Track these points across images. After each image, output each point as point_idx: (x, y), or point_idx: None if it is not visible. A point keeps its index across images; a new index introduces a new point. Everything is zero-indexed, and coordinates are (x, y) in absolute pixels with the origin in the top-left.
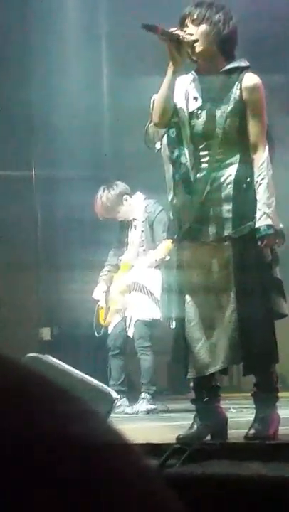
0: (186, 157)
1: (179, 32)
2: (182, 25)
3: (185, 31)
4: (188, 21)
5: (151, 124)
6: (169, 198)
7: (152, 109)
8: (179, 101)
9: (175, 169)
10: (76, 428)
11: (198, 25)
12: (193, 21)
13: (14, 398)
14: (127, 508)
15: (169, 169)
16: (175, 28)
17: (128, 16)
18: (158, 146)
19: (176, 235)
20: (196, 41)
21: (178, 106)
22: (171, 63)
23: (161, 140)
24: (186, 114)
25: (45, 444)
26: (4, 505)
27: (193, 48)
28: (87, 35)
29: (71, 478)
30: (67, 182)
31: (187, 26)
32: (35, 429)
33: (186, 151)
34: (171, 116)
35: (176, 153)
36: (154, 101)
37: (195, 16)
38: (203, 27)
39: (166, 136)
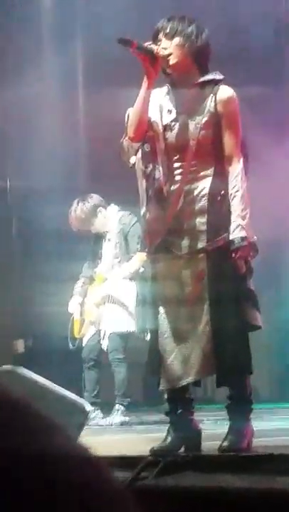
0: (159, 172)
1: (153, 46)
2: (155, 39)
3: (159, 45)
4: (161, 35)
5: (126, 138)
6: (142, 212)
7: (127, 123)
8: (154, 114)
9: (148, 184)
10: (40, 442)
11: (171, 38)
12: (166, 35)
13: None
14: None
15: (142, 183)
16: (150, 43)
17: (103, 30)
18: (133, 160)
19: (147, 248)
20: (170, 54)
21: (152, 119)
22: (145, 77)
23: (136, 154)
24: (160, 126)
25: (9, 458)
26: None
27: (168, 61)
28: (63, 46)
29: (36, 491)
30: (42, 194)
31: (160, 40)
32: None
33: (160, 166)
34: (145, 131)
35: (150, 167)
36: (128, 115)
37: (168, 30)
38: (177, 40)
39: (140, 150)
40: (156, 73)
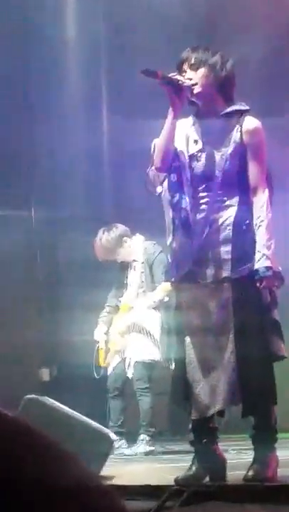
0: (186, 202)
1: (178, 76)
2: (180, 70)
3: (184, 76)
4: (185, 66)
5: (153, 168)
6: (168, 242)
7: (153, 153)
8: (180, 144)
9: (175, 213)
10: (53, 472)
11: (196, 69)
12: (191, 66)
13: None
14: None
15: (169, 213)
16: (174, 73)
17: (129, 61)
18: (159, 190)
19: (174, 277)
20: (195, 84)
21: (178, 149)
22: (171, 108)
23: (162, 184)
24: (186, 156)
25: (23, 488)
26: None
27: (193, 91)
28: (89, 79)
29: None
30: (67, 223)
31: (185, 71)
32: (14, 474)
33: (187, 196)
34: (172, 161)
35: (176, 197)
36: (154, 145)
37: (192, 61)
38: (202, 71)
39: (167, 180)
40: (182, 103)
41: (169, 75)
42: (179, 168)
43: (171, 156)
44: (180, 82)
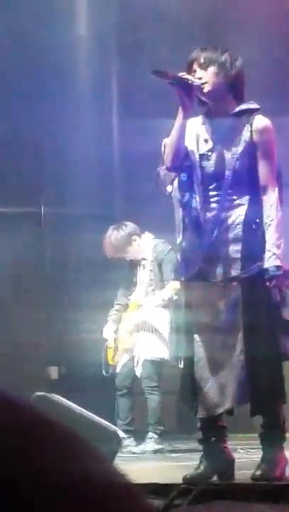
0: (196, 201)
1: (188, 76)
2: (189, 70)
3: (193, 75)
4: (195, 66)
5: (163, 167)
6: (178, 240)
7: (164, 153)
8: (190, 143)
9: (185, 213)
10: (77, 467)
11: (205, 68)
12: (200, 65)
13: (21, 438)
14: None
15: (179, 212)
16: (184, 73)
17: (138, 60)
18: (169, 189)
19: (183, 276)
20: (205, 83)
21: (189, 148)
22: (181, 108)
23: (172, 183)
24: (197, 156)
25: (45, 480)
26: None
27: (202, 90)
28: (99, 78)
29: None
30: (77, 221)
31: (195, 71)
32: (37, 465)
33: (197, 195)
34: (182, 160)
35: (186, 197)
36: (165, 145)
37: (202, 60)
38: (212, 69)
39: (177, 179)
40: (192, 103)
41: (179, 75)
42: (189, 168)
43: (181, 156)
44: (190, 81)
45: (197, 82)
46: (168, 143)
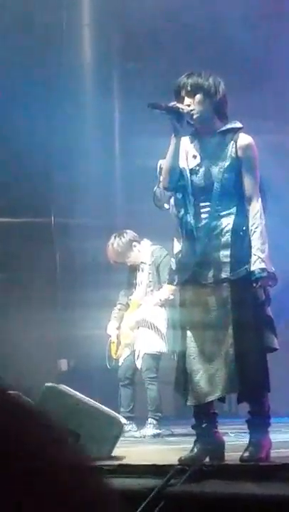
0: (190, 216)
1: (178, 105)
2: (178, 96)
3: (182, 102)
4: (183, 93)
5: (160, 186)
6: (175, 250)
7: (160, 173)
8: (181, 161)
9: (181, 227)
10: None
11: (192, 96)
12: (187, 93)
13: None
14: None
15: (177, 226)
16: (174, 102)
17: (138, 80)
18: (166, 206)
19: (176, 280)
20: (193, 110)
21: (181, 166)
22: (173, 134)
23: (169, 201)
24: (188, 171)
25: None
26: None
27: (192, 116)
28: (104, 99)
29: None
30: (83, 230)
31: (183, 98)
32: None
33: (190, 210)
34: (178, 180)
35: (182, 212)
36: (160, 167)
37: (189, 88)
38: (198, 96)
39: (173, 197)
40: (183, 127)
41: (170, 104)
42: (183, 187)
43: (177, 176)
44: (180, 109)
45: (186, 109)
46: (164, 166)
